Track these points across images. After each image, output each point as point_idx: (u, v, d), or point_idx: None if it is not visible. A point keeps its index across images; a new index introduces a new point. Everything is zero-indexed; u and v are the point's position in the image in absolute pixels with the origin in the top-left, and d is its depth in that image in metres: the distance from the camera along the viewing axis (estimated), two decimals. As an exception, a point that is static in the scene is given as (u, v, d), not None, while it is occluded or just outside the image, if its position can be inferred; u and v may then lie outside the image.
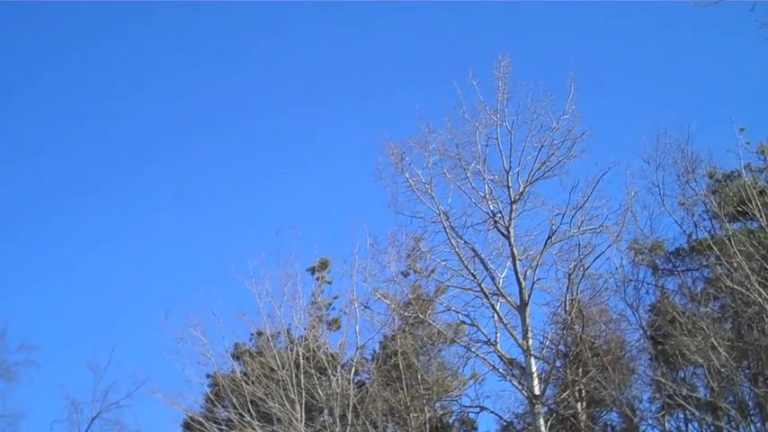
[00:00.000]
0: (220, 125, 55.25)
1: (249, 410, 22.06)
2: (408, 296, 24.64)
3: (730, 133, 22.06)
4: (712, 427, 22.78)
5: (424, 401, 25.44)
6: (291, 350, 23.12)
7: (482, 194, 22.37)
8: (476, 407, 24.31)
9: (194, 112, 56.53)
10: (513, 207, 22.06)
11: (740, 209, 22.31)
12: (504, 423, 25.16)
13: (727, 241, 21.07)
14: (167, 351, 22.93)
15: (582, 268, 21.58)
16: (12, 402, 31.12)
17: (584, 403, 23.35)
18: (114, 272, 48.66)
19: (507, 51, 22.66)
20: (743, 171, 22.98)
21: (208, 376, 24.97)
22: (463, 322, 22.73)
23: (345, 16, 54.67)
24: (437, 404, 26.61)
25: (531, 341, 21.34)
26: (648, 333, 23.45)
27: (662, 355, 22.36)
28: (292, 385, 22.32)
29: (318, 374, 23.35)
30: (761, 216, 20.89)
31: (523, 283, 21.57)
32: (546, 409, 21.98)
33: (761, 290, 19.21)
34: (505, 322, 21.78)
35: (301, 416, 22.01)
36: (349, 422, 22.22)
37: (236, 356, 25.37)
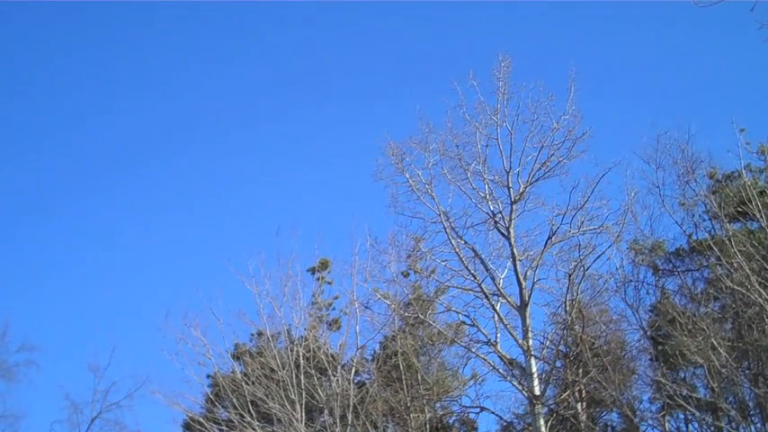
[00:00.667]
0: (220, 125, 55.41)
1: (249, 411, 22.06)
2: (408, 296, 24.66)
3: (730, 134, 22.14)
4: (712, 428, 22.77)
5: (425, 402, 25.43)
6: (292, 350, 23.11)
7: (482, 195, 22.38)
8: (476, 407, 24.25)
9: (194, 112, 56.74)
10: (514, 207, 22.06)
11: (740, 209, 22.31)
12: (505, 423, 25.19)
13: (727, 242, 21.08)
14: (167, 351, 23.03)
15: (582, 268, 21.59)
16: (12, 403, 31.29)
17: (585, 404, 23.30)
18: (114, 272, 48.83)
19: (508, 52, 22.72)
20: (743, 171, 22.97)
21: (208, 376, 25.06)
22: (463, 322, 22.74)
23: (346, 16, 54.87)
24: (437, 404, 26.61)
25: (531, 341, 21.34)
26: (649, 333, 23.44)
27: (662, 355, 22.36)
28: (292, 385, 22.32)
29: (319, 375, 23.35)
30: (761, 216, 20.89)
31: (524, 284, 21.57)
32: (546, 409, 21.98)
33: (761, 290, 19.22)
34: (506, 322, 21.78)
35: (301, 416, 22.01)
36: (349, 422, 22.22)
37: (237, 357, 25.36)
